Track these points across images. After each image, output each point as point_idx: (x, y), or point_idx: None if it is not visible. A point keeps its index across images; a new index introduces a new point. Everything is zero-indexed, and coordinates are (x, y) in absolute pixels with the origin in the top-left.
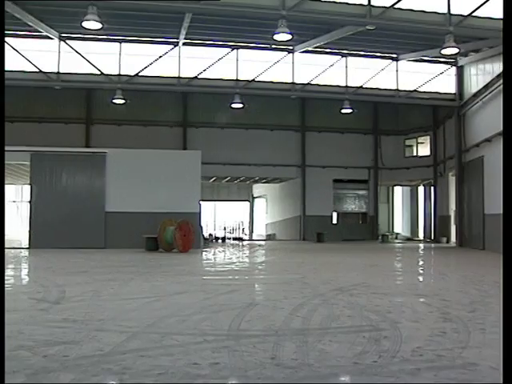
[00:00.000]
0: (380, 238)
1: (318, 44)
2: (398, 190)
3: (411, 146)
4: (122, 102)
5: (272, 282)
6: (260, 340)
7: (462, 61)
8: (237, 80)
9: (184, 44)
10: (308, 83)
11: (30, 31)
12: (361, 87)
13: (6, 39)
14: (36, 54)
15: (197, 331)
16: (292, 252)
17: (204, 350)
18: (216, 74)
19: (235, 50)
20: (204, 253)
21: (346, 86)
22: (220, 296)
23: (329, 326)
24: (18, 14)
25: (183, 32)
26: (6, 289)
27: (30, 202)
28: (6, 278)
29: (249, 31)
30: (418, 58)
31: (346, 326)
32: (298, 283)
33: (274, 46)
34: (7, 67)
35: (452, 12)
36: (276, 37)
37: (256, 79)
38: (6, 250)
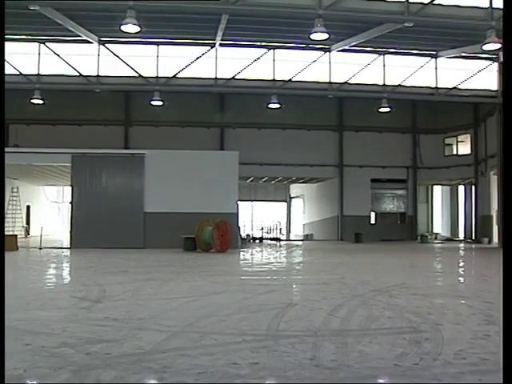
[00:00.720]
0: (419, 238)
1: (355, 42)
2: (438, 190)
3: (451, 144)
4: (160, 103)
5: (310, 282)
6: (299, 340)
7: None
8: (273, 80)
9: (221, 45)
10: (345, 82)
11: (70, 36)
12: (399, 85)
13: (48, 44)
14: (76, 59)
15: (236, 331)
16: (330, 252)
17: (243, 349)
18: (253, 74)
19: (272, 50)
20: (242, 253)
21: (384, 85)
22: (258, 296)
23: (368, 327)
24: (59, 20)
25: (220, 33)
26: (48, 287)
27: (71, 202)
28: (48, 277)
29: (285, 31)
30: (457, 55)
31: (386, 327)
32: (336, 284)
33: (310, 46)
34: (49, 72)
35: (494, 6)
36: (313, 36)
37: (293, 79)
38: (48, 250)
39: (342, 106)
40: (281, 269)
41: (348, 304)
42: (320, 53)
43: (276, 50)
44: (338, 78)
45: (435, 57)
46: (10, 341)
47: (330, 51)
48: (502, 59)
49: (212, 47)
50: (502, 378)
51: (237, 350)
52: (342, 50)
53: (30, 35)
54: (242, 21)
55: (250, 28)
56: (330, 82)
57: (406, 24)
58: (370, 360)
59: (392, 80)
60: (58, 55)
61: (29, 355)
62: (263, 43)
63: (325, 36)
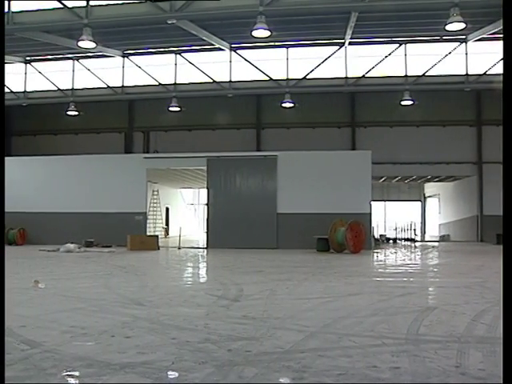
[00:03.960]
0: None
1: (494, 30)
2: None
3: None
4: (291, 105)
5: (449, 285)
6: (441, 346)
7: None
8: (406, 76)
9: (350, 43)
10: (484, 73)
11: (203, 45)
12: None
13: (184, 54)
14: (209, 66)
15: (374, 333)
16: (469, 254)
17: (383, 353)
18: (383, 71)
19: (403, 45)
20: (375, 254)
21: None
22: (395, 298)
23: None
24: (193, 31)
25: (349, 32)
26: (188, 285)
27: (206, 204)
28: (187, 275)
29: (417, 24)
30: None
31: None
32: (478, 287)
33: (444, 38)
34: (184, 80)
35: None
36: (448, 27)
37: (426, 74)
38: (186, 250)
39: (481, 99)
40: (417, 270)
41: (493, 310)
42: (455, 44)
43: (407, 45)
44: (476, 69)
45: None
46: (158, 334)
47: (466, 42)
48: None
49: (341, 46)
50: (502, 378)
51: (376, 352)
52: (480, 39)
53: (166, 47)
54: (371, 17)
55: (379, 24)
56: (467, 74)
57: None
58: None
59: None
60: (193, 64)
61: (175, 349)
62: (394, 38)
63: (461, 26)
